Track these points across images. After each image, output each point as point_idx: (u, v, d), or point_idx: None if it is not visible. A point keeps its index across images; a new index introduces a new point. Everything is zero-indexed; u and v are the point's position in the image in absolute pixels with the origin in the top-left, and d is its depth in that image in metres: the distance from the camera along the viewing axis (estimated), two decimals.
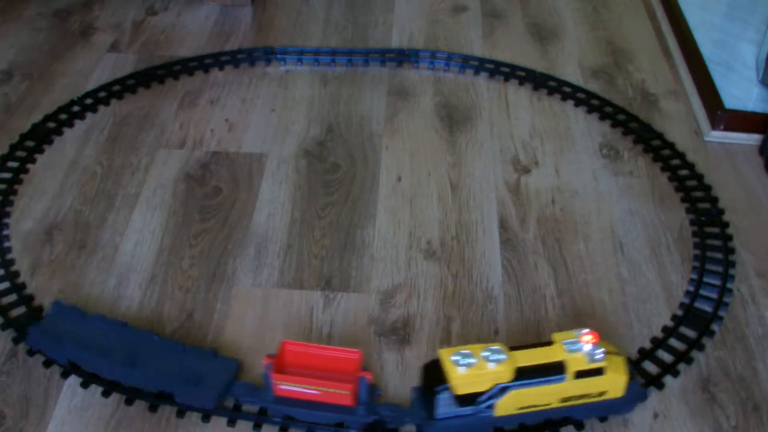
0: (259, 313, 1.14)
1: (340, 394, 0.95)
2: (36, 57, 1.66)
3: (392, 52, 1.67)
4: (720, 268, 1.20)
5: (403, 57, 1.66)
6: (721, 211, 1.30)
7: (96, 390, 1.03)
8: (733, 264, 1.21)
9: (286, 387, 0.96)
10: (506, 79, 1.61)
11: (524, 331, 1.12)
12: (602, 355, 0.93)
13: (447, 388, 0.91)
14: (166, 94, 1.56)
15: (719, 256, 1.22)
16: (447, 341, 1.10)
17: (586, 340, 0.94)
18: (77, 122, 1.48)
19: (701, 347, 1.10)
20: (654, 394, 1.04)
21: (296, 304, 1.15)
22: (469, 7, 1.86)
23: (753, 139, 1.46)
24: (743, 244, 1.26)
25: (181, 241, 1.24)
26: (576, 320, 1.13)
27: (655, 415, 1.02)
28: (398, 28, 1.77)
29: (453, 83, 1.60)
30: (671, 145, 1.44)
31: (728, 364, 1.08)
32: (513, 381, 0.92)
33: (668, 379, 1.06)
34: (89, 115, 1.50)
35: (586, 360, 0.93)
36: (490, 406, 0.93)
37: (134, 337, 1.04)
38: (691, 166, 1.40)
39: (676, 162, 1.41)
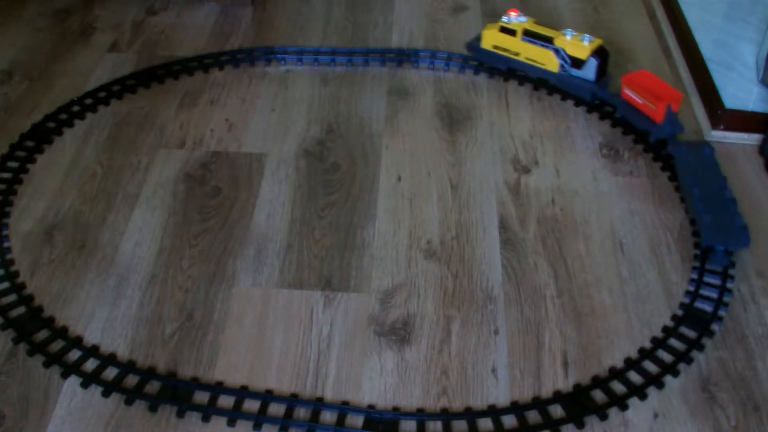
0: (259, 313, 1.14)
1: (653, 109, 1.39)
2: (36, 57, 1.66)
3: (392, 52, 1.67)
4: (720, 268, 1.20)
5: (403, 57, 1.66)
6: None
7: (96, 390, 1.03)
8: (733, 264, 1.21)
9: (628, 92, 1.44)
10: (506, 79, 1.61)
11: (524, 331, 1.12)
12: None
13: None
14: (166, 94, 1.56)
15: None
16: (447, 341, 1.10)
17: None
18: (77, 122, 1.48)
19: (701, 347, 1.10)
20: (654, 394, 1.04)
21: (296, 304, 1.15)
22: (469, 7, 1.86)
23: (753, 139, 1.46)
24: None
25: (181, 241, 1.24)
26: (576, 320, 1.13)
27: (655, 415, 1.02)
28: (398, 28, 1.77)
29: (453, 83, 1.60)
30: None
31: (728, 364, 1.08)
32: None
33: (668, 379, 1.06)
34: (89, 115, 1.50)
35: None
36: None
37: None
38: None
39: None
